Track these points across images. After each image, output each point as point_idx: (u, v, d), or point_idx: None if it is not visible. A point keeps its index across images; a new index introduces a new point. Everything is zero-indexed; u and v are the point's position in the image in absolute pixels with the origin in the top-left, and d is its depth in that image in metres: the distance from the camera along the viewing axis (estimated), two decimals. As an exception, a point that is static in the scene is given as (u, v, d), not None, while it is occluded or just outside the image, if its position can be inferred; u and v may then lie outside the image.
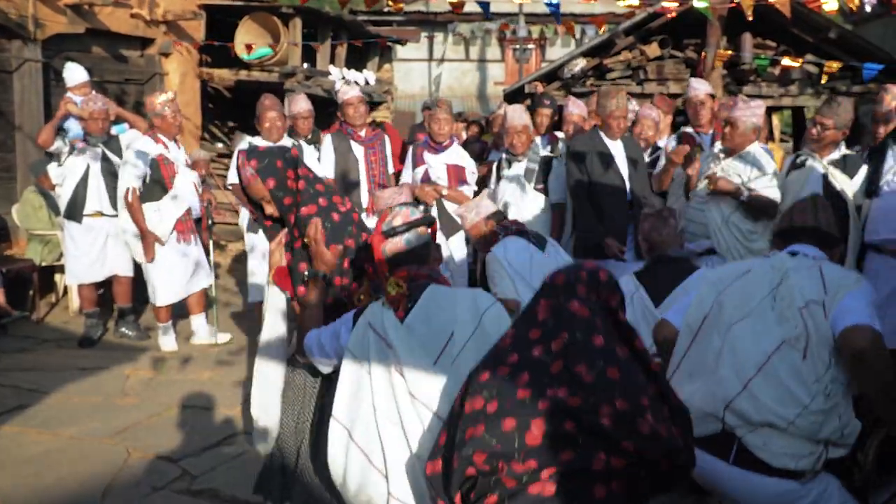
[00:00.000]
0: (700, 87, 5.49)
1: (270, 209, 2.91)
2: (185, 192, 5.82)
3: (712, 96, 5.48)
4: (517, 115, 5.39)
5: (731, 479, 2.45)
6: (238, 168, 2.98)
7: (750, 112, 4.54)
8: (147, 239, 5.66)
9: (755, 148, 4.58)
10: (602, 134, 5.10)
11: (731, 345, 2.47)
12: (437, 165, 5.56)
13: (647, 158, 5.79)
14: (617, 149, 5.09)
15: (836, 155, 4.53)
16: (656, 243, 3.71)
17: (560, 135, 6.03)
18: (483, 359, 2.02)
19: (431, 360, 2.27)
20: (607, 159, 5.02)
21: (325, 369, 2.60)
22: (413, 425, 2.23)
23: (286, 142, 5.81)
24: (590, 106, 5.99)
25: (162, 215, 5.71)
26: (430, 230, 2.59)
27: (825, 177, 4.46)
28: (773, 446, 2.37)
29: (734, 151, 4.58)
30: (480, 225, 4.12)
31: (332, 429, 2.38)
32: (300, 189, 2.89)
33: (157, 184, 5.68)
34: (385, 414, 2.27)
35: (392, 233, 2.50)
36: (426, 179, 5.54)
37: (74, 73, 6.27)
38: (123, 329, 6.16)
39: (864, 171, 4.54)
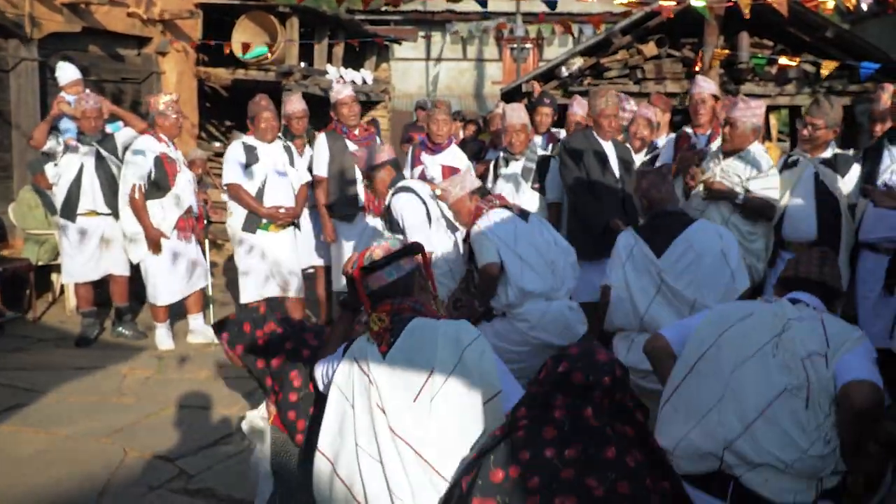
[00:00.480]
0: (704, 86, 5.41)
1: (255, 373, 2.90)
2: (187, 190, 5.83)
3: (716, 97, 5.44)
4: (516, 113, 5.39)
5: None
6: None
7: (750, 112, 4.52)
8: (152, 236, 5.66)
9: (755, 148, 4.58)
10: (595, 134, 5.10)
11: (733, 391, 2.47)
12: (432, 166, 5.57)
13: (644, 157, 5.79)
14: (609, 149, 5.09)
15: (827, 154, 4.53)
16: (655, 200, 3.74)
17: (563, 133, 6.02)
18: (496, 453, 2.01)
19: (412, 396, 2.26)
20: (603, 158, 5.02)
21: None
22: (392, 461, 2.22)
23: (280, 142, 5.83)
24: (594, 106, 5.98)
25: (165, 213, 5.71)
26: (414, 258, 2.54)
27: (817, 175, 4.47)
28: (773, 485, 2.39)
29: (734, 151, 4.58)
30: (465, 199, 4.15)
31: (318, 461, 2.38)
32: (267, 345, 2.85)
33: (160, 182, 5.68)
34: (366, 448, 2.26)
35: (373, 267, 2.46)
36: (422, 179, 5.54)
37: (66, 72, 6.24)
38: (120, 328, 6.15)
39: (856, 169, 4.55)
